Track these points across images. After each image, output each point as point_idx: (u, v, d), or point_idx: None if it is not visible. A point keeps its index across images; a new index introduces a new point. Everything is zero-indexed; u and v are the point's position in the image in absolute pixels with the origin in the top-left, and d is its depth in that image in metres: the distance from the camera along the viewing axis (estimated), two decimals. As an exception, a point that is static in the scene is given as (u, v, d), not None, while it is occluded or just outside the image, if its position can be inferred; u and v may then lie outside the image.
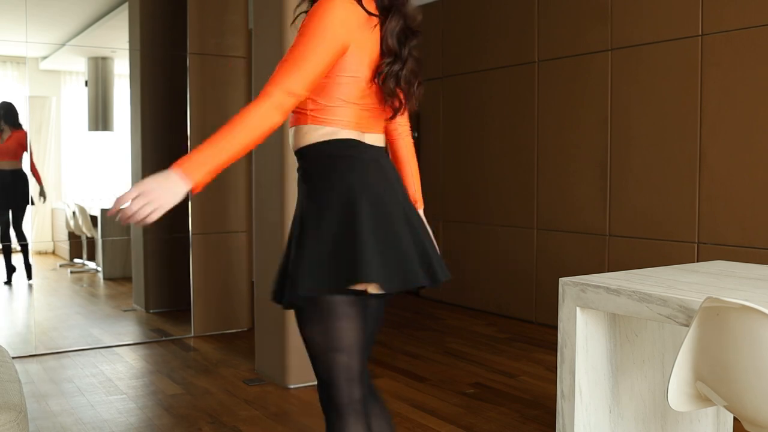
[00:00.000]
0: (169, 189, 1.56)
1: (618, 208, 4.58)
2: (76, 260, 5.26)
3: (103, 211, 5.11)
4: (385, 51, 1.76)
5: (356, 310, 1.72)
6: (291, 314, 3.67)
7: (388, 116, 1.84)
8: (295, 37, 1.70)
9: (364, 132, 1.78)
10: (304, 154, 1.80)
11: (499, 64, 5.39)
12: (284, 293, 1.76)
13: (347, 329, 1.71)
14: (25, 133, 4.69)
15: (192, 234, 4.81)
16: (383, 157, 1.83)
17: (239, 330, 4.97)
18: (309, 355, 1.78)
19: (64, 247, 5.25)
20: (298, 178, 1.85)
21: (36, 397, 3.53)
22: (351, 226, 1.66)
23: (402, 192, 1.82)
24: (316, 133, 1.76)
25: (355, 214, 1.66)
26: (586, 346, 2.09)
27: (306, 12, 1.79)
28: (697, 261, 4.09)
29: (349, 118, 1.76)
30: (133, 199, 1.51)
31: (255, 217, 3.97)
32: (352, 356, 1.73)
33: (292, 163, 3.66)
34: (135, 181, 5.00)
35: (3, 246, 4.83)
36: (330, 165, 1.74)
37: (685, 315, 1.77)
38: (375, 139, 1.81)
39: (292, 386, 3.68)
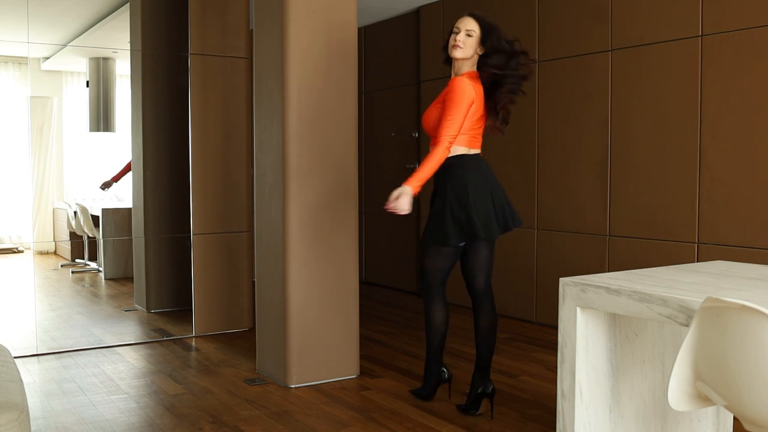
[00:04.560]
0: (401, 193, 3.08)
1: (618, 208, 4.58)
2: (77, 260, 5.27)
3: (105, 211, 5.13)
4: None
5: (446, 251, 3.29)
6: (292, 314, 3.68)
7: None
8: None
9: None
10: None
11: (500, 64, 5.39)
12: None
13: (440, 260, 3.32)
14: None
15: (193, 234, 4.82)
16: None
17: (240, 330, 4.97)
18: (422, 270, 3.36)
19: (66, 247, 5.26)
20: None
21: (38, 396, 3.54)
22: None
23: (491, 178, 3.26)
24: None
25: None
26: (586, 346, 2.10)
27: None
28: (697, 261, 4.10)
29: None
30: (394, 199, 3.06)
31: (256, 217, 3.98)
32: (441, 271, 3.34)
33: (293, 164, 3.67)
34: (136, 180, 5.01)
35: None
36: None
37: (685, 315, 1.78)
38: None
39: (293, 386, 3.69)
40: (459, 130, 3.12)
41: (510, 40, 3.23)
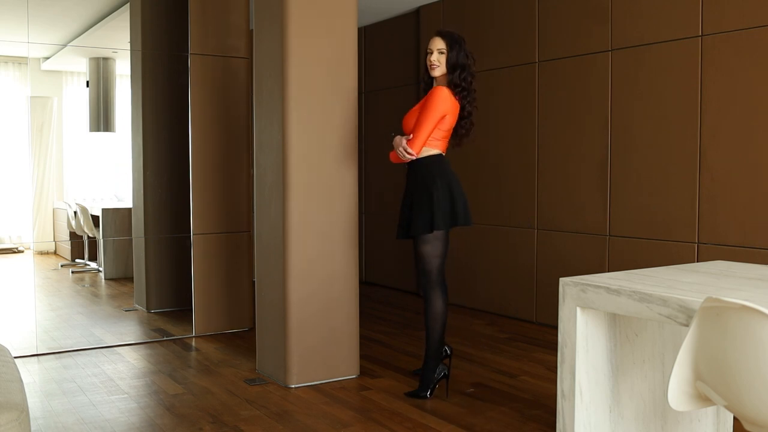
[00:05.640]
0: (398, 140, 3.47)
1: (618, 208, 4.58)
2: (77, 260, 5.27)
3: (105, 211, 5.13)
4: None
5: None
6: (292, 314, 3.68)
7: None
8: None
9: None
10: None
11: (500, 64, 5.40)
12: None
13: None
14: None
15: (193, 234, 4.82)
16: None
17: (240, 330, 4.98)
18: (422, 261, 3.49)
19: (66, 247, 5.26)
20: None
21: (38, 396, 3.54)
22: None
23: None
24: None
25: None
26: (586, 346, 2.10)
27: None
28: (697, 261, 4.10)
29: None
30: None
31: (256, 217, 3.98)
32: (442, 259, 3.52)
33: (294, 164, 3.67)
34: (136, 181, 5.02)
35: None
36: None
37: (685, 315, 1.78)
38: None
39: (293, 386, 3.69)
40: (428, 135, 3.41)
41: (467, 53, 3.49)
